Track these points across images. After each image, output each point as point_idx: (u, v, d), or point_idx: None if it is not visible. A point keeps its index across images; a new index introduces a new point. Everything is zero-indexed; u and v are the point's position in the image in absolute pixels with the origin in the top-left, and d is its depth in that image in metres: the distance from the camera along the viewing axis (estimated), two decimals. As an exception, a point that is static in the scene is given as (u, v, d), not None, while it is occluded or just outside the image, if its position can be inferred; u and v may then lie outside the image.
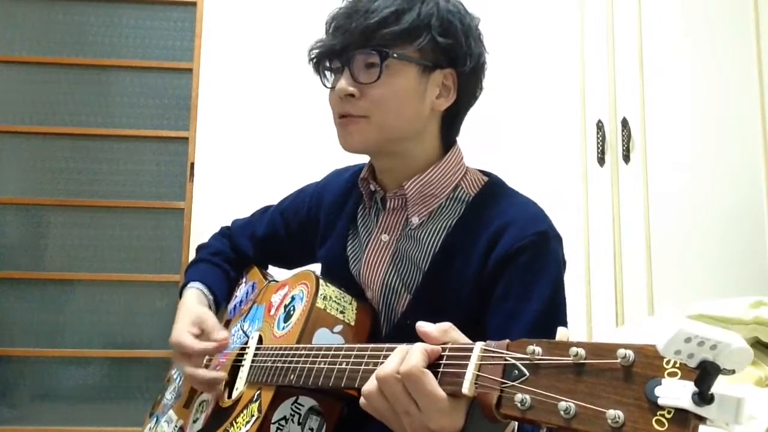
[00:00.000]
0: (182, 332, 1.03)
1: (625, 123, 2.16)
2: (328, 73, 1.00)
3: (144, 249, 2.33)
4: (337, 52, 0.95)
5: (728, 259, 2.09)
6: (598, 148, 2.17)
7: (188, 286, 1.16)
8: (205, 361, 1.06)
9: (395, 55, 0.91)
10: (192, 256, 1.32)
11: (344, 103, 0.95)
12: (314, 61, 1.00)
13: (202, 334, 1.04)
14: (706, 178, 2.14)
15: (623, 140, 2.15)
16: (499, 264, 0.90)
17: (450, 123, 1.01)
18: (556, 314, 0.90)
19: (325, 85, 1.00)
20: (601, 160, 2.17)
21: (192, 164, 2.28)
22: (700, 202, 2.14)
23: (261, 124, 2.24)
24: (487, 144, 2.13)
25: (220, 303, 1.19)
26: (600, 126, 2.18)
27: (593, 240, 2.14)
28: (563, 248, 0.96)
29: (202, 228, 2.16)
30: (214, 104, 2.26)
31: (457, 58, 0.95)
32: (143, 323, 2.31)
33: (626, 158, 2.15)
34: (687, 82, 2.18)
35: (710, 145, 2.16)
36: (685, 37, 2.20)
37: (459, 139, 1.03)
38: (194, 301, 1.12)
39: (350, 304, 0.96)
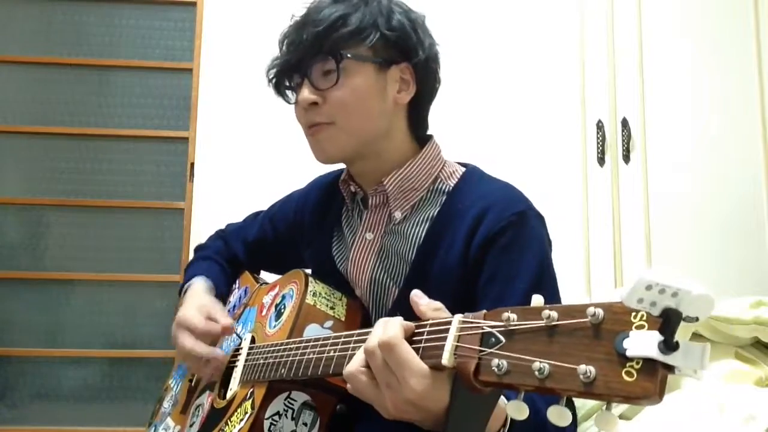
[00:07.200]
0: (188, 311, 1.03)
1: (625, 123, 2.16)
2: (289, 92, 1.02)
3: (144, 249, 2.33)
4: (294, 66, 0.98)
5: (728, 259, 2.09)
6: (598, 148, 2.17)
7: (193, 279, 1.17)
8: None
9: (349, 55, 0.94)
10: (192, 256, 1.33)
11: (309, 113, 0.96)
12: (274, 81, 1.02)
13: (209, 320, 1.03)
14: (706, 178, 2.14)
15: (623, 140, 2.15)
16: (481, 248, 0.90)
17: (416, 117, 1.02)
18: (545, 290, 0.89)
19: (288, 102, 1.02)
20: (601, 160, 2.17)
21: (192, 164, 2.28)
22: (700, 201, 2.14)
23: (261, 124, 2.23)
24: (488, 144, 2.13)
25: (223, 297, 1.19)
26: (600, 126, 2.17)
27: (593, 240, 2.14)
28: (546, 227, 0.96)
29: (202, 228, 2.16)
30: (214, 104, 2.25)
31: (409, 50, 0.98)
32: (143, 323, 2.31)
33: (626, 158, 2.15)
34: (687, 82, 2.18)
35: (710, 145, 2.16)
36: (685, 36, 2.20)
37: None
38: (202, 290, 1.13)
39: (340, 300, 0.97)
